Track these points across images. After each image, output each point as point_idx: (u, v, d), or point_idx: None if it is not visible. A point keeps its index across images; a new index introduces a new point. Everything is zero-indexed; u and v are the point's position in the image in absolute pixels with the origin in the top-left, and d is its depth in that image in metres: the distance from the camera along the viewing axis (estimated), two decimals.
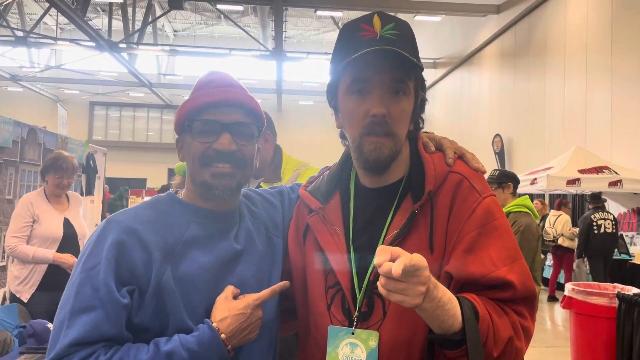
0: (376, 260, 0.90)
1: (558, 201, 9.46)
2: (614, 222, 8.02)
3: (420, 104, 1.22)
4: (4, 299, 4.63)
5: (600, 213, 8.08)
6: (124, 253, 1.10)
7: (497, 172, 4.29)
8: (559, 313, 8.13)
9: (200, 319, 1.13)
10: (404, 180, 1.21)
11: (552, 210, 9.39)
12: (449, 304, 0.99)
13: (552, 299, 9.00)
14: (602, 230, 7.89)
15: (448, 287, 1.06)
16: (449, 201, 1.14)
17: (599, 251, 7.87)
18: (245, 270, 1.23)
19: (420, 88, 1.20)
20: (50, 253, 3.62)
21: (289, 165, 2.30)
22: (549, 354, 6.00)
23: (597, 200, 8.35)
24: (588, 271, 7.98)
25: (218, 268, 1.18)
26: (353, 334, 1.13)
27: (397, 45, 1.10)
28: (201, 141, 1.20)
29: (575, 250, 8.33)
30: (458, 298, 1.03)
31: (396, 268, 0.87)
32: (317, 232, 1.23)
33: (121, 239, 1.11)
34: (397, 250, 0.92)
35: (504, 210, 4.03)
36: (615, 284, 4.91)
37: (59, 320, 1.07)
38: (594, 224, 7.94)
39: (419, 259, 0.91)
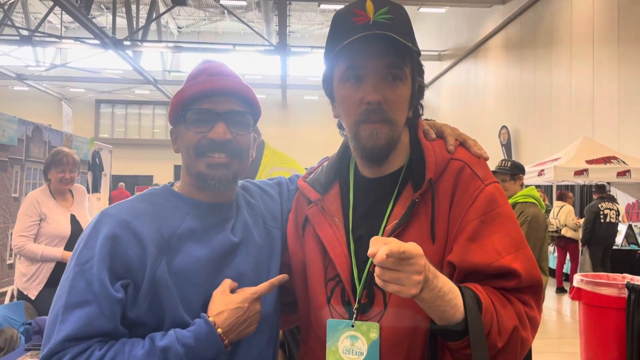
0: (369, 251, 0.88)
1: (559, 192, 9.50)
2: (617, 213, 8.19)
3: (418, 90, 1.18)
4: (12, 296, 4.65)
5: (606, 203, 8.21)
6: (118, 247, 1.08)
7: (509, 162, 4.21)
8: (567, 304, 8.09)
9: (197, 313, 1.11)
10: (403, 169, 1.18)
11: (555, 201, 9.36)
12: (450, 294, 0.97)
13: (560, 290, 8.96)
14: (607, 220, 8.07)
15: (451, 277, 1.04)
16: (451, 189, 1.11)
17: (602, 240, 8.06)
18: (243, 263, 1.20)
19: (418, 73, 1.16)
20: (58, 251, 3.63)
21: (266, 169, 2.16)
22: (558, 346, 5.97)
23: (602, 190, 8.49)
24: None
25: (214, 261, 1.16)
26: (353, 326, 1.10)
27: (391, 29, 1.07)
28: (195, 131, 1.17)
29: (580, 239, 8.41)
30: (460, 288, 1.00)
31: (380, 253, 0.85)
32: (316, 223, 1.21)
33: (115, 233, 1.08)
34: (390, 240, 0.90)
35: (511, 201, 4.02)
36: (624, 274, 4.87)
37: (52, 315, 1.05)
38: (601, 213, 8.09)
39: (411, 247, 0.89)
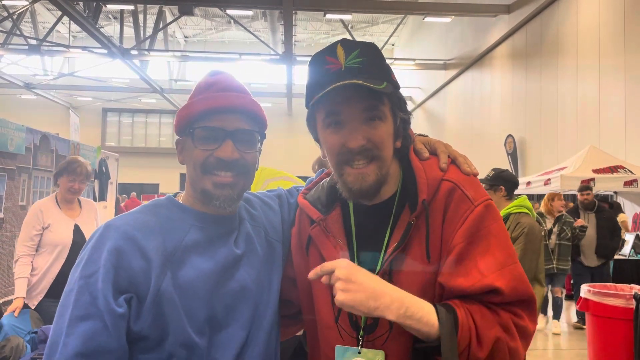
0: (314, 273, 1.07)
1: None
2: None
3: (401, 123, 1.19)
4: None
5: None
6: (122, 260, 1.07)
7: (493, 172, 4.08)
8: (574, 315, 8.01)
9: (201, 326, 1.11)
10: (397, 194, 1.19)
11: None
12: (420, 313, 1.01)
13: (569, 297, 8.91)
14: None
15: (441, 297, 1.08)
16: (442, 210, 1.13)
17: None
18: (246, 275, 1.20)
19: (398, 108, 1.17)
20: (20, 292, 3.50)
21: (259, 184, 2.22)
22: (567, 356, 5.91)
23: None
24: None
25: (218, 274, 1.16)
26: (360, 353, 1.13)
27: (363, 74, 1.08)
28: (203, 148, 1.16)
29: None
30: (435, 306, 1.03)
31: (313, 273, 1.07)
32: (320, 244, 1.22)
33: (119, 246, 1.08)
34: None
35: (504, 212, 3.91)
36: (632, 285, 4.83)
37: (57, 328, 1.04)
38: None
39: (333, 263, 1.05)
